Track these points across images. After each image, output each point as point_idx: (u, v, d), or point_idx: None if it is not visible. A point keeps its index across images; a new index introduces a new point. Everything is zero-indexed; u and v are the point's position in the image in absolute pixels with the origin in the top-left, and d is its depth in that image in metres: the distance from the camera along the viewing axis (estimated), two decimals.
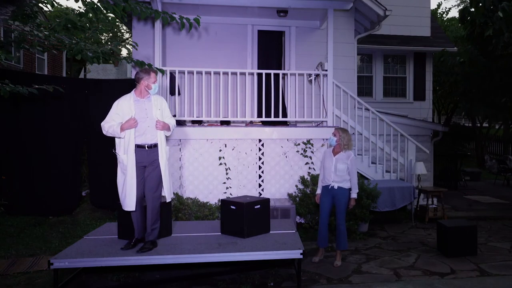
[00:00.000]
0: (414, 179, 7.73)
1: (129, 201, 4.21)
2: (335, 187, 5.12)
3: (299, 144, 6.90)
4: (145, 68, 4.44)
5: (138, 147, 4.25)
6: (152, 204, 4.37)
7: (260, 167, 6.81)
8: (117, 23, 24.40)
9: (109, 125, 4.17)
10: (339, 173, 5.09)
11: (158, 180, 4.37)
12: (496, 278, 4.77)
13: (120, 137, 4.20)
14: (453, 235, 5.51)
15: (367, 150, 7.71)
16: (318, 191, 5.37)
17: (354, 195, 5.18)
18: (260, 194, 6.76)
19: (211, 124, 7.15)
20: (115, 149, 4.33)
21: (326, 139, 6.90)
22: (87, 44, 5.26)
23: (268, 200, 5.12)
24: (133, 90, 4.35)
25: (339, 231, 5.19)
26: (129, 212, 4.36)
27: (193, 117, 6.80)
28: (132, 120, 4.17)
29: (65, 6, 23.50)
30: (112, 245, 4.47)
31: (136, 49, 6.32)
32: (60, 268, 4.03)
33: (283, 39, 8.54)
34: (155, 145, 4.34)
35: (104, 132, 4.24)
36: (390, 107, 10.40)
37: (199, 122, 7.21)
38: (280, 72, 7.15)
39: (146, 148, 4.29)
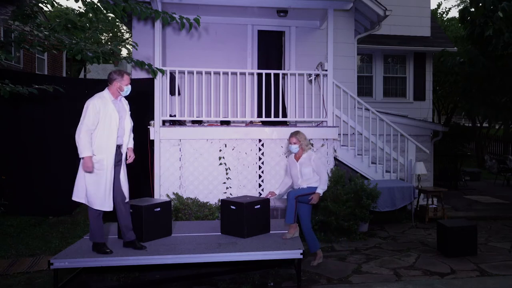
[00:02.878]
0: (414, 179, 7.73)
1: (109, 201, 4.24)
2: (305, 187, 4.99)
3: None
4: (119, 69, 4.45)
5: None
6: (128, 202, 4.45)
7: (260, 167, 6.81)
8: (117, 23, 24.40)
9: (88, 137, 4.05)
10: (305, 177, 4.96)
11: (126, 178, 4.47)
12: (496, 278, 4.77)
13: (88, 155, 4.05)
14: (453, 235, 5.51)
15: (367, 150, 7.71)
16: (277, 191, 5.25)
17: (319, 190, 4.92)
18: (260, 194, 6.76)
19: (211, 124, 7.14)
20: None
21: (326, 139, 6.90)
22: (87, 44, 5.26)
23: (268, 200, 5.13)
24: (107, 89, 4.30)
25: (305, 234, 5.05)
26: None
27: (193, 117, 6.80)
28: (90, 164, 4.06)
29: (65, 6, 23.50)
30: (112, 245, 4.47)
31: (136, 49, 6.32)
32: (60, 268, 4.04)
33: (283, 39, 8.54)
34: (121, 145, 4.39)
35: (77, 137, 4.05)
36: (390, 107, 10.40)
37: (199, 122, 7.21)
38: (280, 72, 7.15)
39: (120, 148, 4.34)
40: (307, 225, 5.06)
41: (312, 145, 5.12)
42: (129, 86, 4.38)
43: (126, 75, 4.34)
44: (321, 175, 4.95)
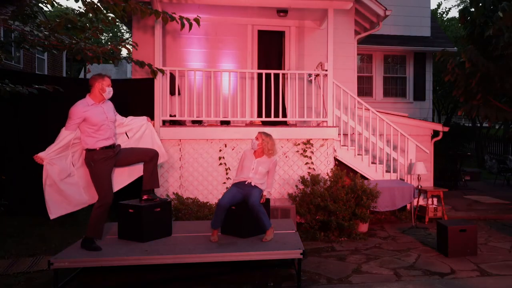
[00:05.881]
0: (414, 179, 7.73)
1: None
2: (252, 183, 4.83)
3: (299, 144, 6.90)
4: (98, 73, 4.56)
5: (107, 148, 4.41)
6: None
7: None
8: (117, 23, 24.44)
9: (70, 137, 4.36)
10: (259, 175, 4.87)
11: None
12: (496, 278, 4.77)
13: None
14: (453, 235, 5.50)
15: (367, 150, 7.70)
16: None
17: (266, 192, 4.96)
18: None
19: (211, 124, 7.15)
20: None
21: (326, 139, 6.90)
22: (87, 44, 5.27)
23: (268, 200, 5.12)
24: (88, 96, 4.42)
25: (257, 212, 4.70)
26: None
27: (193, 117, 6.80)
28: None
29: (65, 6, 23.50)
30: (112, 245, 4.48)
31: (136, 49, 6.33)
32: (60, 268, 4.04)
33: (283, 39, 8.55)
34: (114, 144, 4.52)
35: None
36: (390, 107, 10.41)
37: (199, 122, 7.21)
38: (280, 72, 7.15)
39: (114, 148, 4.49)
40: (257, 202, 4.76)
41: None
42: (111, 88, 4.46)
43: (107, 77, 4.47)
44: (272, 180, 5.05)
